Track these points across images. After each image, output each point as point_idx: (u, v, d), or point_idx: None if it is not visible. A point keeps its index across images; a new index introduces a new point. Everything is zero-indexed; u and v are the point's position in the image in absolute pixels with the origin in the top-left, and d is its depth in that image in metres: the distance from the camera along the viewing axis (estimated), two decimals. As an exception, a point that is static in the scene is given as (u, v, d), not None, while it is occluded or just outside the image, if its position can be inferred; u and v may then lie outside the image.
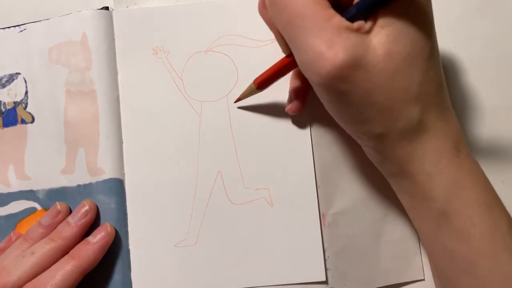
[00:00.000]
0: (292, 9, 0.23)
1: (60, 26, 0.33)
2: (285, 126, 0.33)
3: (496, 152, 0.34)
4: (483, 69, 0.34)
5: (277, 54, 0.33)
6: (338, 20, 0.22)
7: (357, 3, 0.23)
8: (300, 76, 0.31)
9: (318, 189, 0.32)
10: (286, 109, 0.32)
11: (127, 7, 0.34)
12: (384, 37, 0.23)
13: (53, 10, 0.34)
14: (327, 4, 0.23)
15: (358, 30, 0.22)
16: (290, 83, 0.32)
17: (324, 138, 0.33)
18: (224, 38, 0.33)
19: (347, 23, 0.22)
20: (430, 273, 0.32)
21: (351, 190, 0.32)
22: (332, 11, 0.23)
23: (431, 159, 0.25)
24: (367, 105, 0.24)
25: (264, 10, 0.27)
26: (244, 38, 0.33)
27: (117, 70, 0.33)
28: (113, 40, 0.33)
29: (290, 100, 0.32)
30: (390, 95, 0.23)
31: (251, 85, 0.30)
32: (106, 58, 0.33)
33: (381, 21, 0.23)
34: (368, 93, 0.23)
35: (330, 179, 0.32)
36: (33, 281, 0.28)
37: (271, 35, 0.31)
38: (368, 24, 0.23)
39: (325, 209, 0.32)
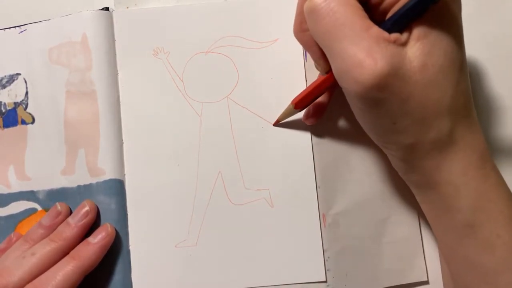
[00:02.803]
0: (331, 18, 0.23)
1: (60, 27, 0.33)
2: (285, 126, 0.33)
3: (496, 151, 0.34)
4: (483, 69, 0.34)
5: (277, 55, 0.33)
6: (377, 30, 0.23)
7: (392, 16, 0.23)
8: (326, 92, 0.31)
9: (318, 190, 0.32)
10: (304, 120, 0.32)
11: (127, 7, 0.34)
12: (419, 49, 0.23)
13: (54, 11, 0.34)
14: (365, 15, 0.23)
15: (395, 42, 0.23)
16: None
17: (324, 138, 0.33)
18: (224, 39, 0.33)
19: (385, 34, 0.23)
20: (435, 275, 0.32)
21: (352, 191, 0.32)
22: (370, 22, 0.23)
23: (458, 170, 0.25)
24: (401, 115, 0.24)
25: (301, 32, 0.27)
26: (245, 40, 0.33)
27: (117, 71, 0.33)
28: (114, 40, 0.33)
29: (309, 114, 0.32)
30: (423, 106, 0.24)
31: (289, 106, 0.31)
32: (106, 59, 0.33)
33: (415, 33, 0.23)
34: (403, 103, 0.23)
35: (330, 179, 0.32)
36: (34, 281, 0.28)
37: (271, 37, 0.32)
38: (404, 36, 0.23)
39: (325, 210, 0.32)
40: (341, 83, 0.24)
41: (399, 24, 0.23)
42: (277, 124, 0.32)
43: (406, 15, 0.23)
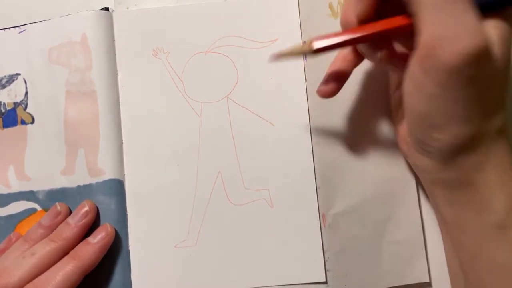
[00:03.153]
0: None
1: (60, 27, 0.33)
2: (285, 126, 0.33)
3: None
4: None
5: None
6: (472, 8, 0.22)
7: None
8: (349, 58, 0.29)
9: (318, 190, 0.32)
10: (319, 89, 0.29)
11: (127, 8, 0.34)
12: (499, 37, 0.23)
13: (53, 11, 0.34)
14: None
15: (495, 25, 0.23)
16: (333, 65, 0.29)
17: (324, 138, 0.33)
18: (224, 39, 0.33)
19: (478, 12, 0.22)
20: (438, 277, 0.32)
21: (352, 191, 0.32)
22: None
23: (497, 169, 0.25)
24: (478, 100, 0.23)
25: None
26: (244, 39, 0.33)
27: (117, 71, 0.33)
28: (113, 40, 0.33)
29: (327, 81, 0.29)
30: (497, 96, 0.24)
31: (305, 44, 0.26)
32: (106, 59, 0.33)
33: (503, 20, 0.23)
34: (487, 88, 0.23)
35: (330, 179, 0.32)
36: (34, 281, 0.28)
37: (270, 37, 0.31)
38: (500, 22, 0.23)
39: (325, 210, 0.32)
40: (434, 51, 0.22)
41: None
42: (275, 59, 0.28)
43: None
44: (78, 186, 0.32)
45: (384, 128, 0.33)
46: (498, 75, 0.23)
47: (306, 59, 0.33)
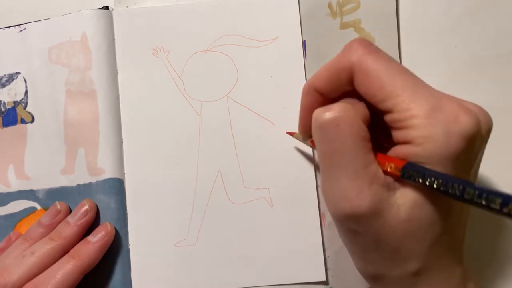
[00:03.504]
0: (338, 145, 0.22)
1: (60, 26, 0.33)
2: (285, 125, 0.32)
3: (496, 151, 0.34)
4: (483, 69, 0.34)
5: (276, 53, 0.33)
6: (374, 169, 0.22)
7: (404, 170, 0.22)
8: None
9: (318, 189, 0.32)
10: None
11: (127, 7, 0.34)
12: (410, 201, 0.22)
13: (53, 10, 0.34)
14: (370, 148, 0.23)
15: (388, 185, 0.22)
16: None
17: (324, 138, 0.33)
18: (224, 38, 0.33)
19: (380, 174, 0.22)
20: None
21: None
22: (372, 157, 0.23)
23: None
24: (371, 250, 0.24)
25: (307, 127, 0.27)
26: (244, 38, 0.33)
27: (117, 70, 0.33)
28: (113, 39, 0.33)
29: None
30: (395, 251, 0.23)
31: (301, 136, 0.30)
32: (106, 58, 0.33)
33: (411, 185, 0.22)
34: (375, 242, 0.23)
35: (330, 179, 0.32)
36: (33, 280, 0.28)
37: (270, 35, 0.31)
38: (397, 183, 0.22)
39: (325, 210, 0.32)
40: (324, 199, 0.24)
41: (412, 181, 0.22)
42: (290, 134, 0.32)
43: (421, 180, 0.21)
44: (78, 185, 0.32)
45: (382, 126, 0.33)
46: (395, 234, 0.22)
47: (306, 57, 0.33)
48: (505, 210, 0.17)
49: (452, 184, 0.19)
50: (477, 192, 0.18)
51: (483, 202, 0.18)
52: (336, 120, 0.22)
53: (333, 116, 0.22)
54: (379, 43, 0.33)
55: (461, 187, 0.19)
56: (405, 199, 0.22)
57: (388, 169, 0.22)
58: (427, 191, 0.22)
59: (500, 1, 0.34)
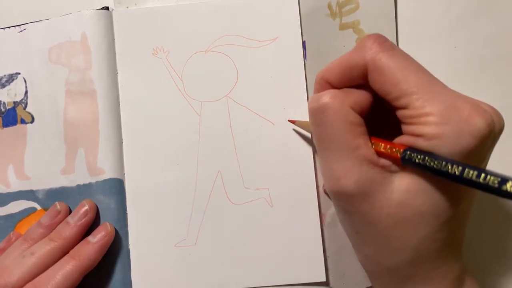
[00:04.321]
0: (325, 129, 0.24)
1: (60, 26, 0.33)
2: (285, 125, 0.33)
3: (496, 151, 0.34)
4: (483, 69, 0.34)
5: (276, 53, 0.33)
6: (364, 152, 0.23)
7: (405, 151, 0.22)
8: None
9: (318, 189, 0.32)
10: None
11: (127, 7, 0.34)
12: (405, 185, 0.22)
13: (53, 10, 0.34)
14: (360, 132, 0.23)
15: (382, 167, 0.23)
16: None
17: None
18: (224, 38, 0.33)
19: (373, 157, 0.23)
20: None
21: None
22: (361, 141, 0.23)
23: None
24: (364, 232, 0.24)
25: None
26: (244, 38, 0.33)
27: (117, 70, 0.33)
28: (113, 40, 0.33)
29: None
30: (386, 236, 0.23)
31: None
32: (106, 58, 0.33)
33: (411, 169, 0.22)
34: (367, 224, 0.23)
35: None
36: (33, 281, 0.28)
37: (270, 35, 0.31)
38: (394, 166, 0.23)
39: (325, 210, 0.32)
40: (322, 175, 0.25)
41: (411, 164, 0.22)
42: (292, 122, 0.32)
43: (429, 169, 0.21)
44: (78, 186, 0.32)
45: (382, 125, 0.33)
46: (388, 218, 0.23)
47: (306, 58, 0.33)
48: (504, 188, 0.18)
49: (452, 165, 0.20)
50: (475, 172, 0.19)
51: (481, 181, 0.19)
52: (323, 107, 0.24)
53: (320, 103, 0.24)
54: (379, 43, 0.33)
55: (460, 168, 0.19)
56: (401, 182, 0.22)
57: (389, 151, 0.23)
58: (426, 180, 0.22)
59: (500, 1, 0.34)
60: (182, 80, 0.33)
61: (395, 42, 0.34)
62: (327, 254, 0.32)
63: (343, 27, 0.33)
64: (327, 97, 0.24)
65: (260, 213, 0.32)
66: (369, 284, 0.32)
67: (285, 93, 0.32)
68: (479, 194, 0.34)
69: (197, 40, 0.33)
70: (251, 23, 0.33)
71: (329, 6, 0.33)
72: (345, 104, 0.23)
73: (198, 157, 0.33)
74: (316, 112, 0.24)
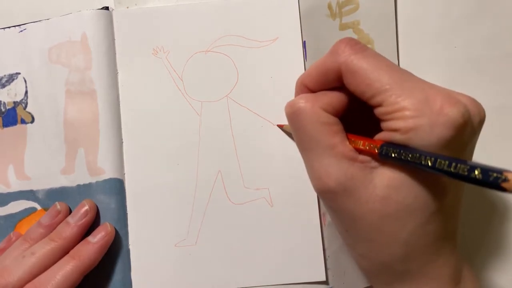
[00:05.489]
0: (302, 131, 0.25)
1: (60, 26, 0.33)
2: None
3: (495, 151, 0.34)
4: (483, 69, 0.34)
5: (276, 54, 0.33)
6: (342, 149, 0.24)
7: (382, 147, 0.22)
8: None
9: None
10: None
11: (127, 7, 0.34)
12: (386, 180, 0.23)
13: (53, 10, 0.34)
14: (336, 131, 0.24)
15: (362, 163, 0.23)
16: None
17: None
18: (224, 39, 0.33)
19: (351, 153, 0.23)
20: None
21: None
22: (337, 140, 0.24)
23: None
24: (351, 228, 0.25)
25: None
26: (244, 39, 0.33)
27: (117, 70, 0.33)
28: (113, 40, 0.33)
29: None
30: (374, 230, 0.23)
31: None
32: (106, 58, 0.33)
33: (390, 164, 0.23)
34: (354, 220, 0.24)
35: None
36: (34, 281, 0.28)
37: (270, 36, 0.31)
38: (374, 162, 0.23)
39: (325, 209, 0.32)
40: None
41: (389, 159, 0.22)
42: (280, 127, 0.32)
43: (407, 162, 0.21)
44: (78, 185, 0.32)
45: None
46: (372, 214, 0.23)
47: (306, 58, 0.33)
48: (472, 175, 0.19)
49: (425, 156, 0.20)
50: (447, 162, 0.20)
51: (452, 170, 0.19)
52: (297, 111, 0.25)
53: (295, 108, 0.25)
54: (378, 44, 0.33)
55: (432, 159, 0.20)
56: (382, 177, 0.23)
57: (367, 148, 0.23)
58: (407, 173, 0.22)
59: (500, 1, 0.34)
60: (182, 80, 0.33)
61: (394, 43, 0.34)
62: (327, 253, 0.32)
63: (343, 27, 0.33)
64: (300, 101, 0.25)
65: (260, 213, 0.32)
66: (369, 284, 0.32)
67: (285, 93, 0.32)
68: (477, 191, 0.34)
69: (197, 40, 0.33)
70: (251, 23, 0.33)
71: (329, 6, 0.33)
72: (315, 106, 0.25)
73: (198, 157, 0.33)
74: (292, 117, 0.26)
